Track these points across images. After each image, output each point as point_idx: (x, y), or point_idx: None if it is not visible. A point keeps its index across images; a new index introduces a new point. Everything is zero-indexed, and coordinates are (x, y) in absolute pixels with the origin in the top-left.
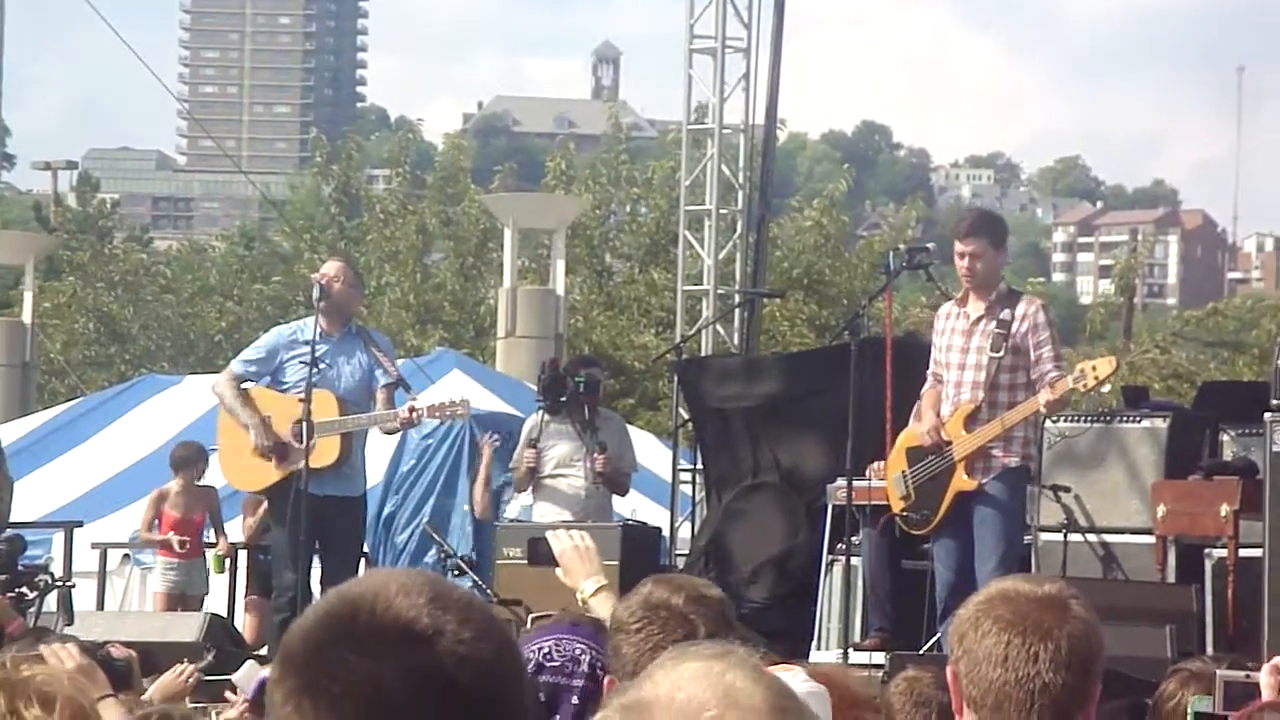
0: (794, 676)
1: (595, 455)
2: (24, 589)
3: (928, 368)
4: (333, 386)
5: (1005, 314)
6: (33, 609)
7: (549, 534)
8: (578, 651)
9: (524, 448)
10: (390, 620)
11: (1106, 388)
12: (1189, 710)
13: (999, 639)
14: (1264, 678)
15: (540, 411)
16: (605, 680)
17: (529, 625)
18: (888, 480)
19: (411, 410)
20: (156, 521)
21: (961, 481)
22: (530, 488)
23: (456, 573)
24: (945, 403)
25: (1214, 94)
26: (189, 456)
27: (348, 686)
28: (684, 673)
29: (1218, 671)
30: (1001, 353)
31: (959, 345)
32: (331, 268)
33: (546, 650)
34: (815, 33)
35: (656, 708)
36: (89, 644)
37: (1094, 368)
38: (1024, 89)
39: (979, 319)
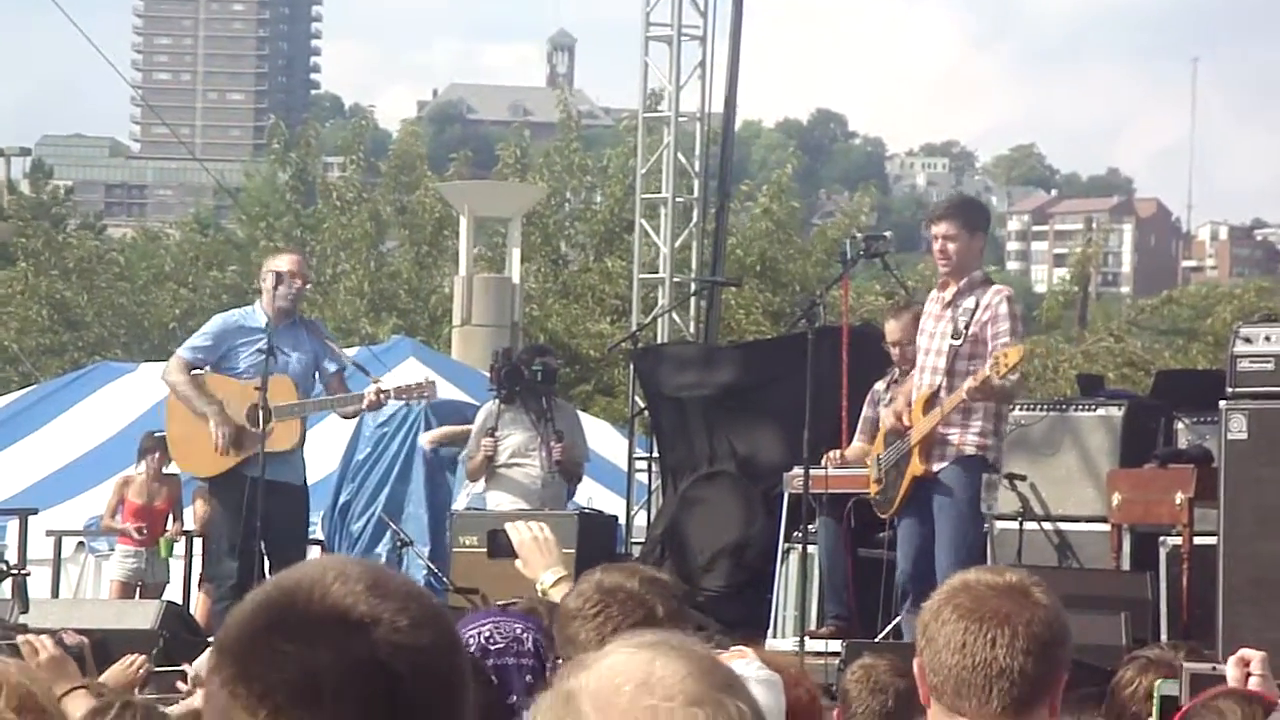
0: (747, 663)
1: (553, 444)
2: None
3: (882, 355)
4: (285, 372)
5: (970, 302)
6: None
7: (508, 525)
8: (518, 630)
9: (480, 436)
10: (327, 608)
11: (1016, 374)
12: (1155, 692)
13: (957, 626)
14: (1230, 669)
15: (495, 400)
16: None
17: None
18: (869, 463)
19: (379, 393)
20: (120, 507)
21: (915, 466)
22: (484, 477)
23: (410, 561)
24: (915, 389)
25: (1169, 83)
26: (155, 445)
27: (281, 674)
28: (610, 662)
29: (1184, 664)
30: (960, 340)
31: (928, 330)
32: (294, 264)
33: (488, 633)
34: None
35: (582, 694)
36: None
37: (1005, 355)
38: (981, 78)
39: (948, 305)
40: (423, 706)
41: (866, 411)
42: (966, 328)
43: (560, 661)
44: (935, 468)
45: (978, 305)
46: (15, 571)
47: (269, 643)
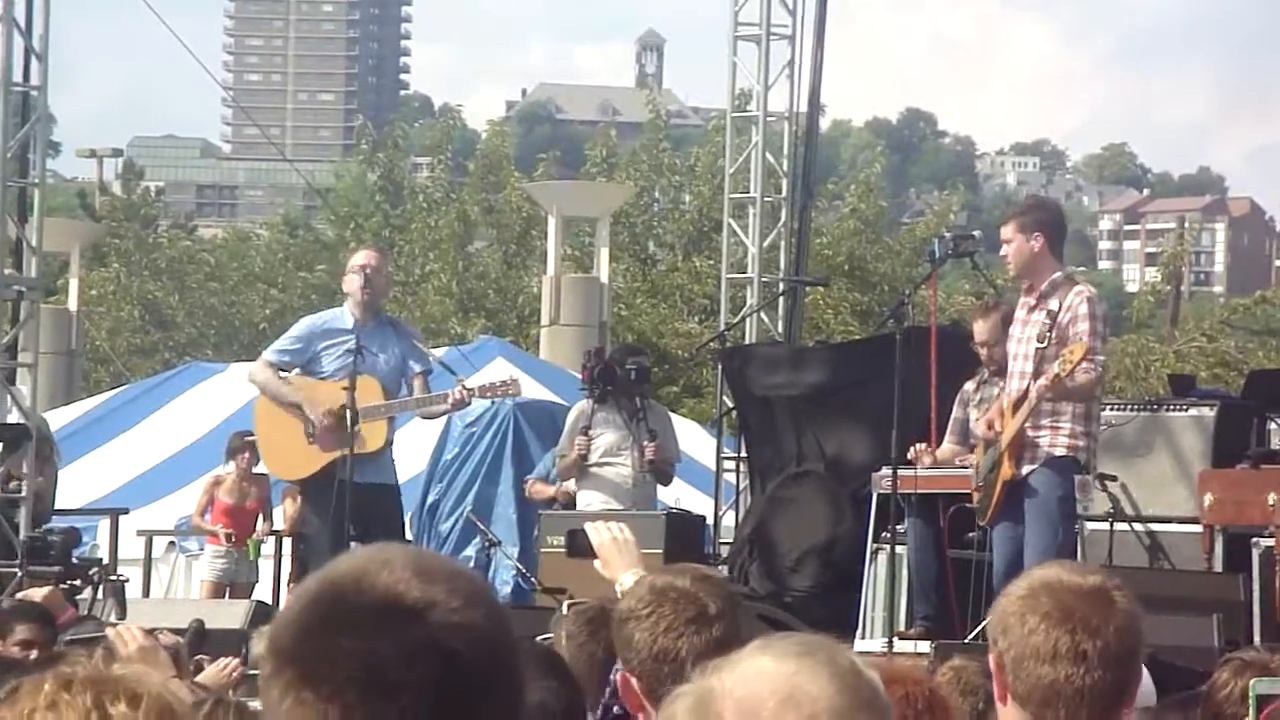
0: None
1: (645, 443)
2: (77, 581)
3: (971, 356)
4: (371, 373)
5: (1054, 304)
6: (85, 601)
7: (587, 525)
8: None
9: (574, 435)
10: (379, 598)
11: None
12: (1251, 691)
13: (1046, 636)
14: None
15: (588, 399)
16: (618, 675)
17: (564, 611)
18: (970, 470)
19: (464, 390)
20: (209, 507)
21: (1005, 469)
22: (577, 475)
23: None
24: (1006, 394)
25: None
26: (244, 445)
27: (347, 671)
28: (756, 667)
29: None
30: (1045, 343)
31: (1016, 334)
32: (372, 258)
33: None
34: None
35: (720, 698)
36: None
37: (1070, 352)
38: (1072, 76)
39: (1032, 309)
40: (485, 681)
41: (956, 412)
42: (1050, 330)
43: (623, 667)
44: (1025, 470)
45: (1060, 307)
46: (114, 578)
47: (328, 640)
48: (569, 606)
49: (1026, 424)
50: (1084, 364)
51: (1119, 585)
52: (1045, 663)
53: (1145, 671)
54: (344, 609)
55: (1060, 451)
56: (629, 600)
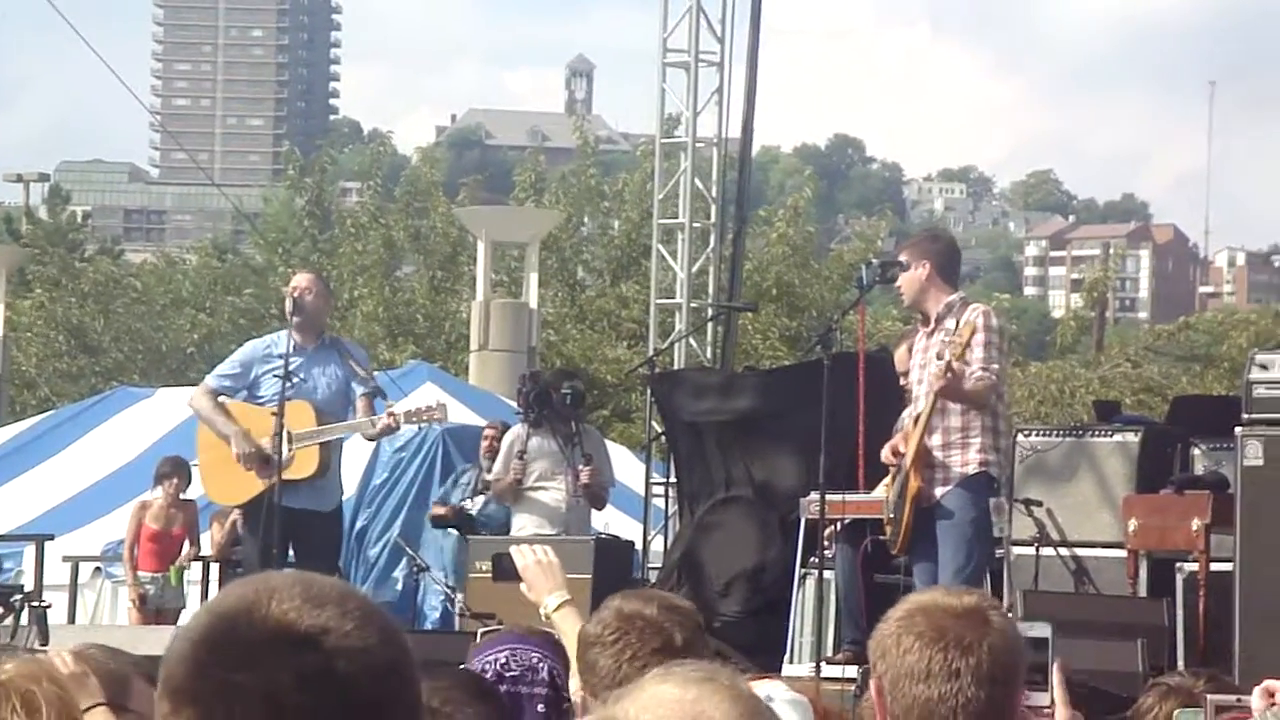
0: (775, 687)
1: (580, 467)
2: None
3: (899, 382)
4: (310, 398)
5: (950, 324)
6: (8, 628)
7: (512, 549)
8: (534, 660)
9: (510, 459)
10: (271, 628)
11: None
12: None
13: (920, 655)
14: (1255, 700)
15: (522, 424)
16: (579, 696)
17: (478, 639)
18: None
19: (391, 415)
20: (138, 536)
21: (912, 485)
22: (511, 499)
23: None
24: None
25: (1186, 109)
26: (172, 470)
27: (245, 706)
28: (658, 695)
29: (1208, 695)
30: (943, 361)
31: (917, 360)
32: (303, 280)
33: (503, 660)
34: (790, 45)
35: None
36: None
37: (958, 335)
38: (999, 104)
39: (931, 333)
40: (384, 702)
41: None
42: (964, 348)
43: (561, 680)
44: (938, 492)
45: (957, 325)
46: (36, 604)
47: (222, 675)
48: (482, 635)
49: (934, 444)
50: (978, 371)
51: (995, 606)
52: (920, 682)
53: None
54: (237, 642)
55: (972, 469)
56: (594, 625)
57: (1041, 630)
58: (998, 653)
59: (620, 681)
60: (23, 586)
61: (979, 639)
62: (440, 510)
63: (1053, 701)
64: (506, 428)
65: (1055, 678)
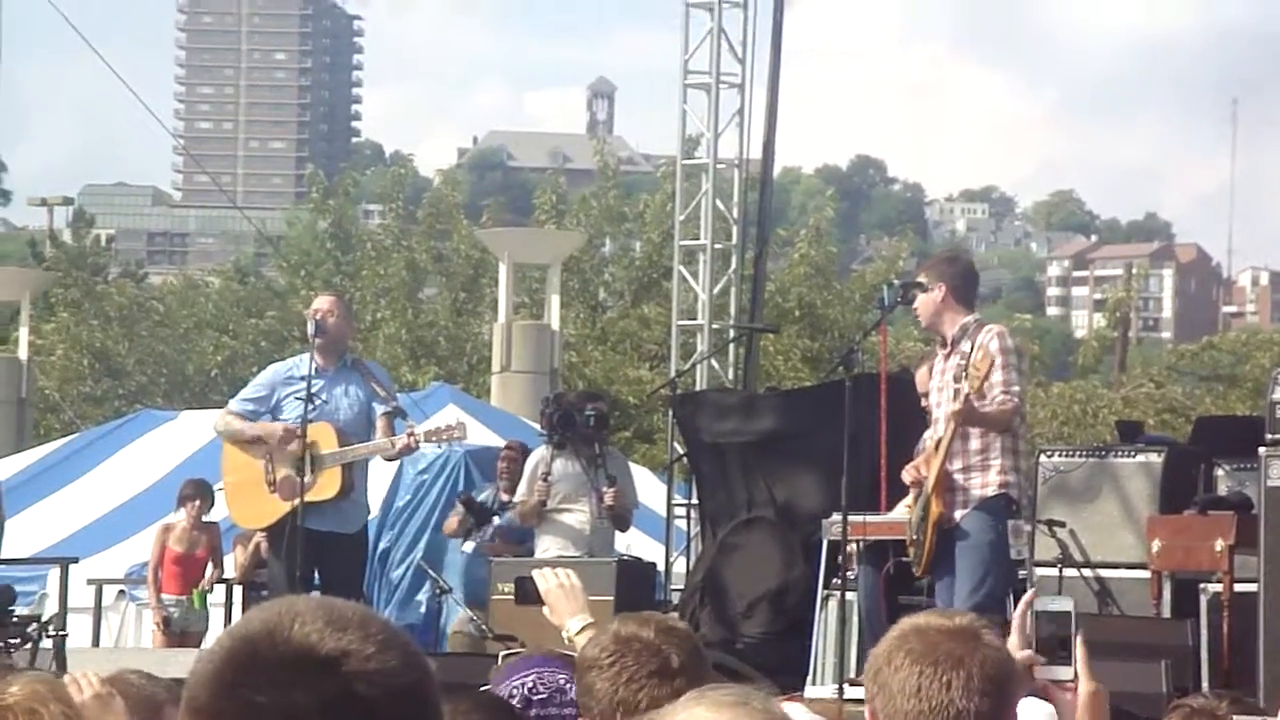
0: (796, 709)
1: (605, 489)
2: (13, 639)
3: (921, 403)
4: (332, 420)
5: (966, 346)
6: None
7: (534, 572)
8: (561, 681)
9: (534, 480)
10: (293, 651)
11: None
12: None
13: (911, 671)
14: None
15: (546, 446)
16: None
17: (499, 663)
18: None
19: (410, 435)
20: (162, 559)
21: (934, 508)
22: (536, 521)
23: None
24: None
25: (1212, 127)
26: (195, 492)
27: None
28: (691, 717)
29: (1232, 717)
30: (962, 382)
31: (936, 383)
32: (324, 302)
33: (530, 684)
34: (811, 66)
35: None
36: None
37: (975, 367)
38: (1021, 124)
39: (948, 355)
40: None
41: None
42: (965, 369)
43: (580, 712)
44: (957, 515)
45: (973, 347)
46: (54, 633)
47: (244, 697)
48: (503, 658)
49: (954, 467)
50: (1000, 395)
51: (988, 626)
52: (912, 697)
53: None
54: (259, 664)
55: (992, 491)
56: (592, 648)
57: (1064, 604)
58: (989, 667)
59: (617, 705)
60: (40, 616)
61: (969, 653)
62: (451, 523)
63: (1076, 675)
64: (525, 448)
65: (1078, 651)
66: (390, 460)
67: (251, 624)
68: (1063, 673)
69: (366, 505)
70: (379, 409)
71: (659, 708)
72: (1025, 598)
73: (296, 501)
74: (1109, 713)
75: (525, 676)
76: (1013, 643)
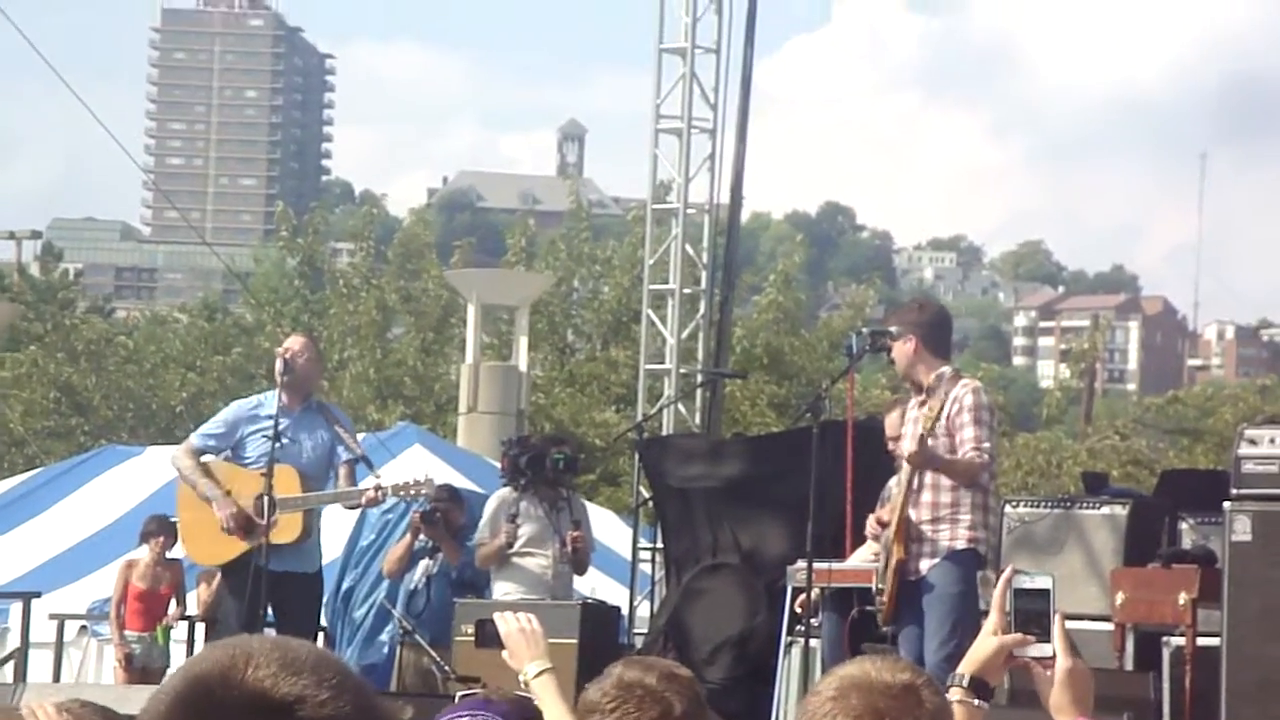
0: None
1: (570, 534)
2: None
3: (887, 450)
4: (294, 461)
5: (942, 396)
6: None
7: (495, 615)
8: None
9: (498, 522)
10: (246, 695)
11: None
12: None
13: None
14: None
15: (508, 488)
16: None
17: (456, 701)
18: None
19: (376, 489)
20: (125, 596)
21: (897, 552)
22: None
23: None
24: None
25: (1178, 181)
26: (159, 529)
27: None
28: None
29: None
30: (932, 434)
31: (907, 432)
32: (296, 343)
33: None
34: (782, 112)
35: None
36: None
37: (930, 410)
38: (990, 174)
39: (923, 402)
40: None
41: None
42: (936, 421)
43: None
44: (924, 565)
45: (947, 398)
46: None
47: None
48: (460, 698)
49: (923, 518)
50: (970, 450)
51: (928, 681)
52: None
53: None
54: (211, 707)
55: (961, 545)
56: (595, 691)
57: (1044, 582)
58: None
59: None
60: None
61: (911, 715)
62: (392, 559)
63: (1055, 652)
64: (456, 494)
65: (1056, 629)
66: (350, 509)
67: (204, 664)
68: (1043, 650)
69: (320, 547)
70: (343, 455)
71: None
72: (1004, 576)
73: (256, 543)
74: (1091, 689)
75: (459, 716)
76: (992, 623)
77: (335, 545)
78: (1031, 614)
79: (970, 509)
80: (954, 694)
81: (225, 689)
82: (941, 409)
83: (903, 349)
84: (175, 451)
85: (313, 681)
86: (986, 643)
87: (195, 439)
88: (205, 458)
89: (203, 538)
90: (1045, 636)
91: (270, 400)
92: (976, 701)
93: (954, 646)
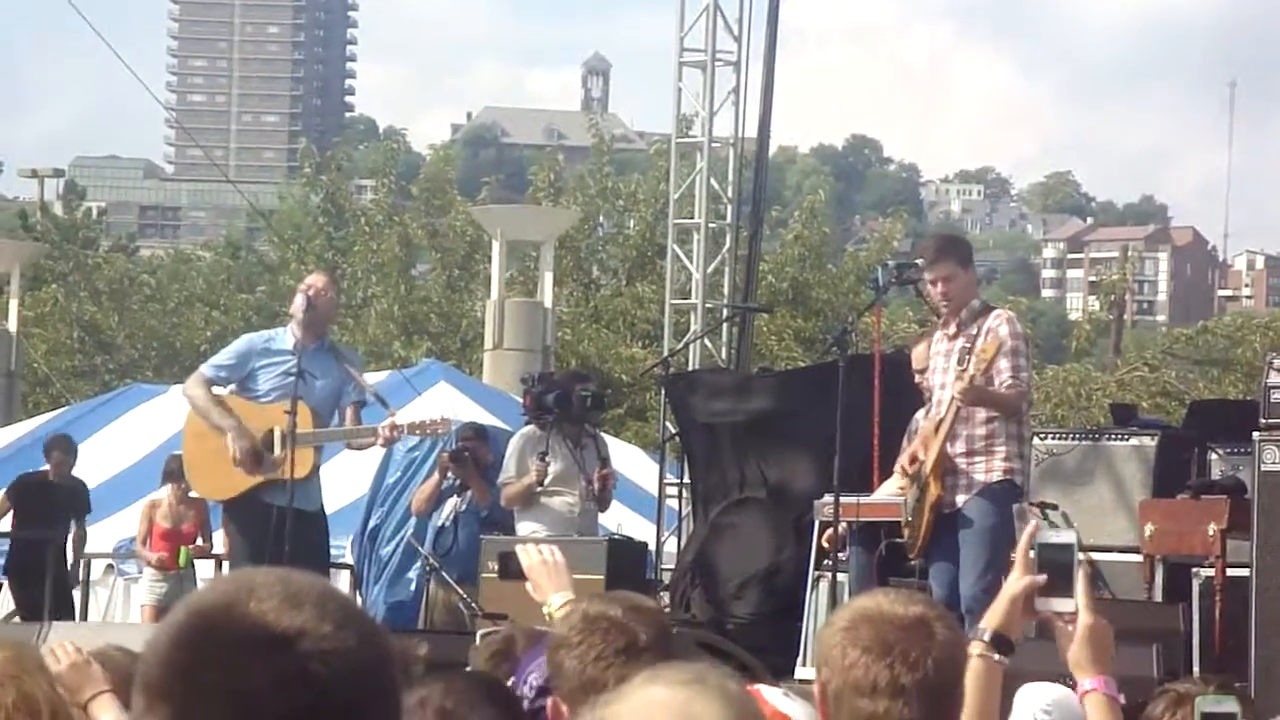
0: (773, 694)
1: (599, 471)
2: None
3: (914, 384)
4: (308, 398)
5: (973, 329)
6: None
7: (518, 548)
8: None
9: (524, 460)
10: (249, 629)
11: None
12: (1196, 712)
13: (866, 670)
14: None
15: (534, 426)
16: (549, 701)
17: (477, 641)
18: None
19: (393, 428)
20: (149, 534)
21: (932, 491)
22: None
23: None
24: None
25: (1208, 111)
26: (180, 468)
27: (218, 706)
28: (648, 696)
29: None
30: (966, 366)
31: (940, 366)
32: (319, 280)
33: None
34: (808, 45)
35: None
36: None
37: (982, 351)
38: (1018, 106)
39: (954, 337)
40: (360, 706)
41: (905, 444)
42: (971, 353)
43: (553, 693)
44: (960, 499)
45: (979, 332)
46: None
47: (200, 675)
48: (482, 637)
49: (957, 450)
50: (1008, 379)
51: (941, 615)
52: (865, 696)
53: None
54: (213, 642)
55: (997, 477)
56: (562, 627)
57: (1068, 537)
58: (941, 666)
59: (585, 683)
60: None
61: (924, 653)
62: (420, 497)
63: (1077, 607)
64: (483, 432)
65: (1080, 584)
66: (360, 449)
67: (207, 597)
68: (1065, 605)
69: (320, 485)
70: (351, 395)
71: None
72: (1028, 530)
73: (261, 478)
74: (1111, 647)
75: (540, 667)
76: (1016, 576)
77: (362, 484)
78: (1055, 567)
79: (1005, 440)
80: (974, 648)
81: (227, 622)
82: (979, 345)
83: (968, 278)
84: (188, 382)
85: (315, 615)
86: (1007, 598)
87: (206, 369)
88: (215, 389)
89: (208, 470)
90: (1069, 592)
91: (282, 335)
92: (997, 656)
93: (991, 578)
